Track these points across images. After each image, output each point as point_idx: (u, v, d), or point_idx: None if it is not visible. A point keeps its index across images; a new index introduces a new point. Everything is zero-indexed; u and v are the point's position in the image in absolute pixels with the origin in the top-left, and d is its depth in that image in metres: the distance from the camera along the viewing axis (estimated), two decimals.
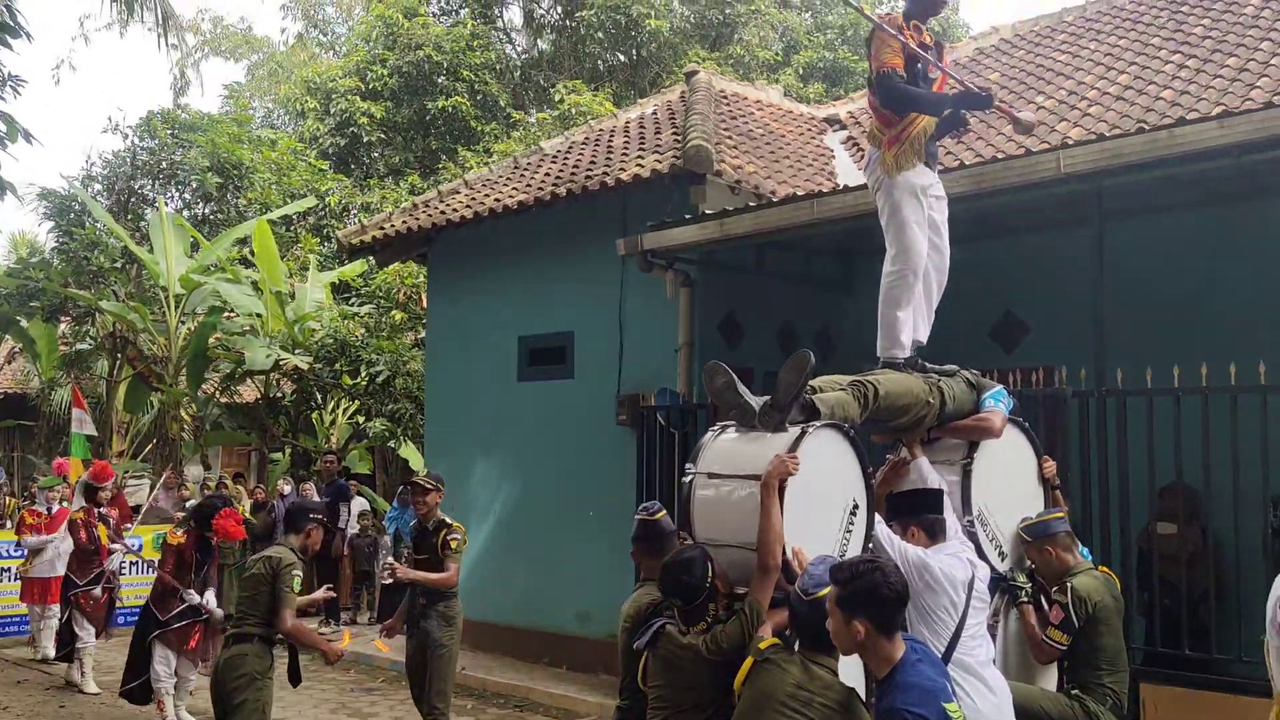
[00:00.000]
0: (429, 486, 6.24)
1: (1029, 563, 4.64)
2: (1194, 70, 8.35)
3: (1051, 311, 7.97)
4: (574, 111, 17.34)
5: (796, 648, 3.47)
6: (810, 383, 4.06)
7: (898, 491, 4.27)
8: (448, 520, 6.25)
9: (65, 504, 10.19)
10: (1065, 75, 9.66)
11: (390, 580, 6.18)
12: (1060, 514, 4.67)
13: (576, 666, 9.15)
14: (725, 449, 4.01)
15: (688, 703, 3.67)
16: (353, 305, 16.43)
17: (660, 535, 4.42)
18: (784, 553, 3.64)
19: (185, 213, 19.45)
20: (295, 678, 5.58)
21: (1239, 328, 6.69)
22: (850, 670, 3.50)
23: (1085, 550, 4.92)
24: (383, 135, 20.33)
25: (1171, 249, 7.37)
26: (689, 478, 4.00)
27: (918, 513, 4.10)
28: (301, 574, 5.16)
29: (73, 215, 17.91)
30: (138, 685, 7.55)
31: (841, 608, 3.17)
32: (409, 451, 14.87)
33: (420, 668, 6.21)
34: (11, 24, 5.48)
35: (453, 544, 6.09)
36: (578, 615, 9.17)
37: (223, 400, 17.28)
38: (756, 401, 3.91)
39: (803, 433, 3.82)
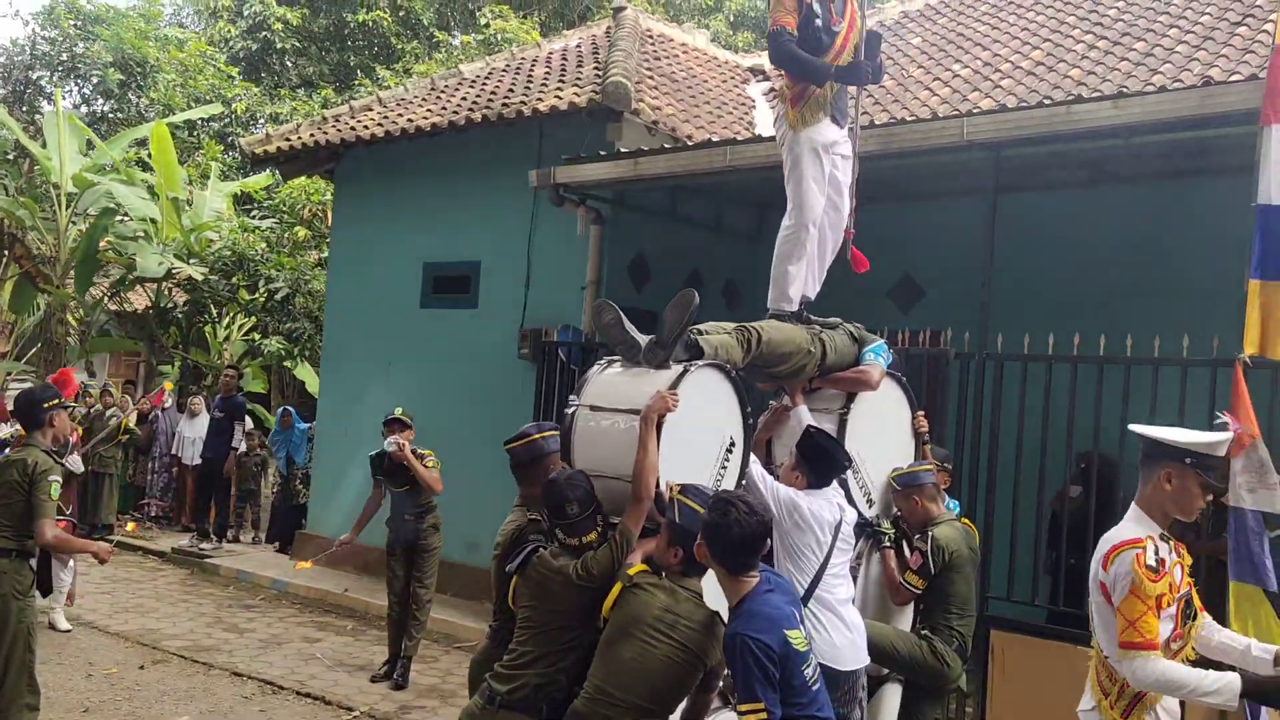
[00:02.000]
0: (407, 422, 7.19)
1: (895, 510, 4.85)
2: (1103, 51, 8.60)
3: (947, 277, 8.22)
4: (499, 38, 16.97)
5: (664, 575, 3.58)
6: (697, 325, 4.14)
7: (826, 438, 4.30)
8: (419, 450, 7.15)
9: None
10: (983, 46, 9.86)
11: (394, 449, 7.03)
12: (929, 466, 4.88)
13: (462, 594, 9.23)
14: (609, 383, 4.06)
15: (555, 623, 3.74)
16: (254, 218, 15.94)
17: (518, 464, 4.31)
18: (658, 485, 3.73)
19: (84, 109, 18.56)
20: (46, 588, 5.17)
21: (1116, 301, 7.04)
22: (715, 593, 3.61)
23: (954, 502, 5.17)
24: (297, 44, 19.60)
25: (1061, 224, 7.67)
26: (571, 409, 4.05)
27: (818, 467, 4.18)
28: (59, 479, 4.64)
29: None
30: None
31: (703, 537, 3.32)
32: (304, 372, 14.63)
33: (407, 569, 7.19)
34: None
35: (429, 464, 7.11)
36: (466, 544, 9.22)
37: (112, 306, 16.68)
38: (642, 339, 3.97)
39: (685, 370, 3.90)
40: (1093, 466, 5.98)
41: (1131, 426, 3.47)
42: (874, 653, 4.36)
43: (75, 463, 7.98)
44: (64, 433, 4.91)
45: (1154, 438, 3.26)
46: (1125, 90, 6.29)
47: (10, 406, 6.04)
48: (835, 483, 4.40)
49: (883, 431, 4.84)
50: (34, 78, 18.24)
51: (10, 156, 16.55)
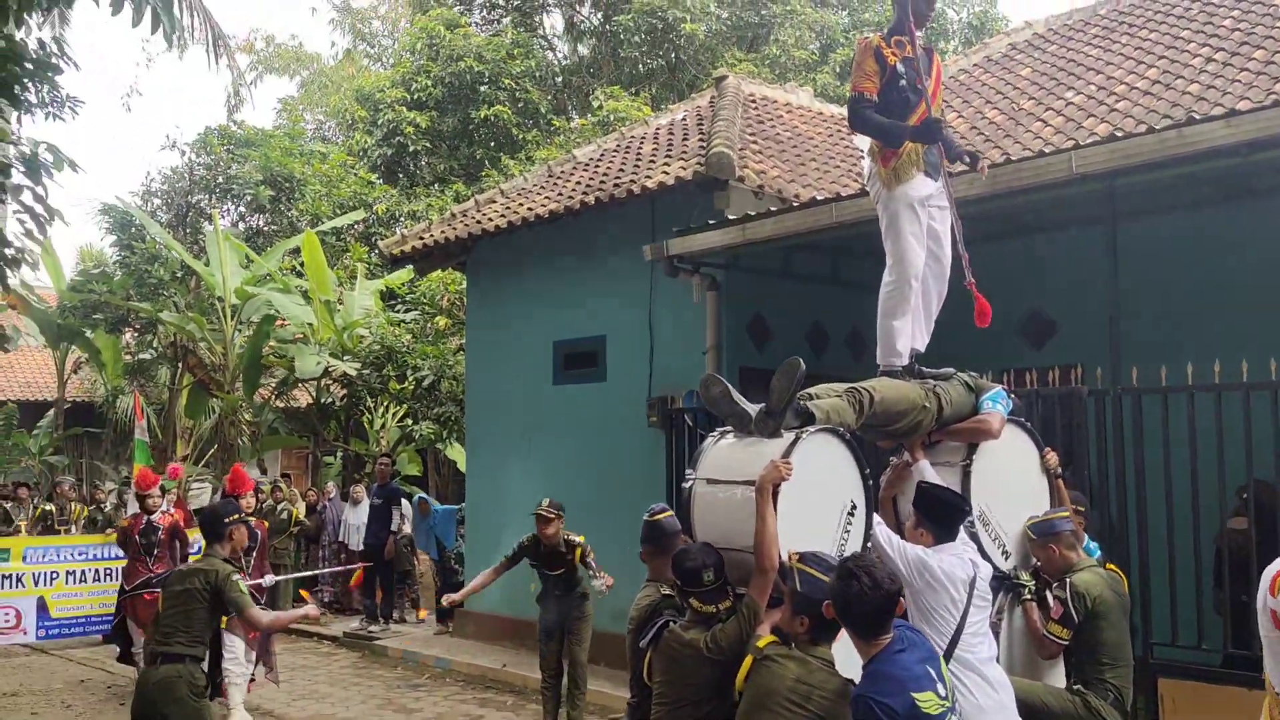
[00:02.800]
0: (550, 516, 7.10)
1: (1034, 561, 4.73)
2: (1221, 64, 8.28)
3: (1077, 309, 7.98)
4: (613, 117, 17.56)
5: (793, 646, 3.61)
6: (808, 390, 4.20)
7: (937, 488, 4.32)
8: (574, 538, 7.19)
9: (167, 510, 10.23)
10: (1096, 70, 9.62)
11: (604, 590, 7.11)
12: (1064, 513, 4.74)
13: (613, 663, 9.32)
14: (723, 455, 4.17)
15: (688, 698, 3.84)
16: (399, 312, 16.84)
17: (663, 535, 4.59)
18: (780, 555, 3.79)
19: (240, 224, 20.10)
20: (213, 690, 5.63)
21: (1255, 323, 6.69)
22: (846, 658, 3.62)
23: (1094, 546, 5.00)
24: (428, 144, 20.75)
25: (1189, 246, 7.37)
26: (689, 483, 4.17)
27: (940, 519, 4.17)
28: (241, 578, 5.01)
29: (133, 230, 18.60)
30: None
31: (832, 604, 3.37)
32: (456, 453, 15.23)
33: (560, 644, 7.38)
34: (47, 54, 5.78)
35: (591, 555, 7.14)
36: (614, 613, 9.35)
37: (278, 405, 17.82)
38: (752, 409, 4.07)
39: (797, 438, 3.97)
40: (1251, 497, 5.67)
41: None
42: (1025, 712, 4.22)
43: (268, 579, 8.50)
44: (241, 545, 5.32)
45: None
46: (1239, 107, 6.06)
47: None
48: (966, 537, 4.35)
49: (1011, 480, 4.75)
50: (193, 201, 19.94)
51: (179, 276, 18.07)
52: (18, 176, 5.49)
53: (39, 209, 5.55)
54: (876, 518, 4.24)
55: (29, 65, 5.37)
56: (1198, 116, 5.93)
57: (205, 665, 4.99)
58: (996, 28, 19.06)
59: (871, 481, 4.25)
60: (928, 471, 4.54)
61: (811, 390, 4.25)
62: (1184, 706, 5.54)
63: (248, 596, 5.00)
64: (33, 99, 5.73)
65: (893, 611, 3.40)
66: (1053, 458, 4.93)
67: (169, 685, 4.75)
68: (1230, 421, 5.54)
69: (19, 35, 6.23)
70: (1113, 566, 4.90)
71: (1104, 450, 6.05)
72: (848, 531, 4.12)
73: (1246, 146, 5.43)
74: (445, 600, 7.78)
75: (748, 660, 3.64)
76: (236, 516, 5.20)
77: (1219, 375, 5.64)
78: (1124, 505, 5.93)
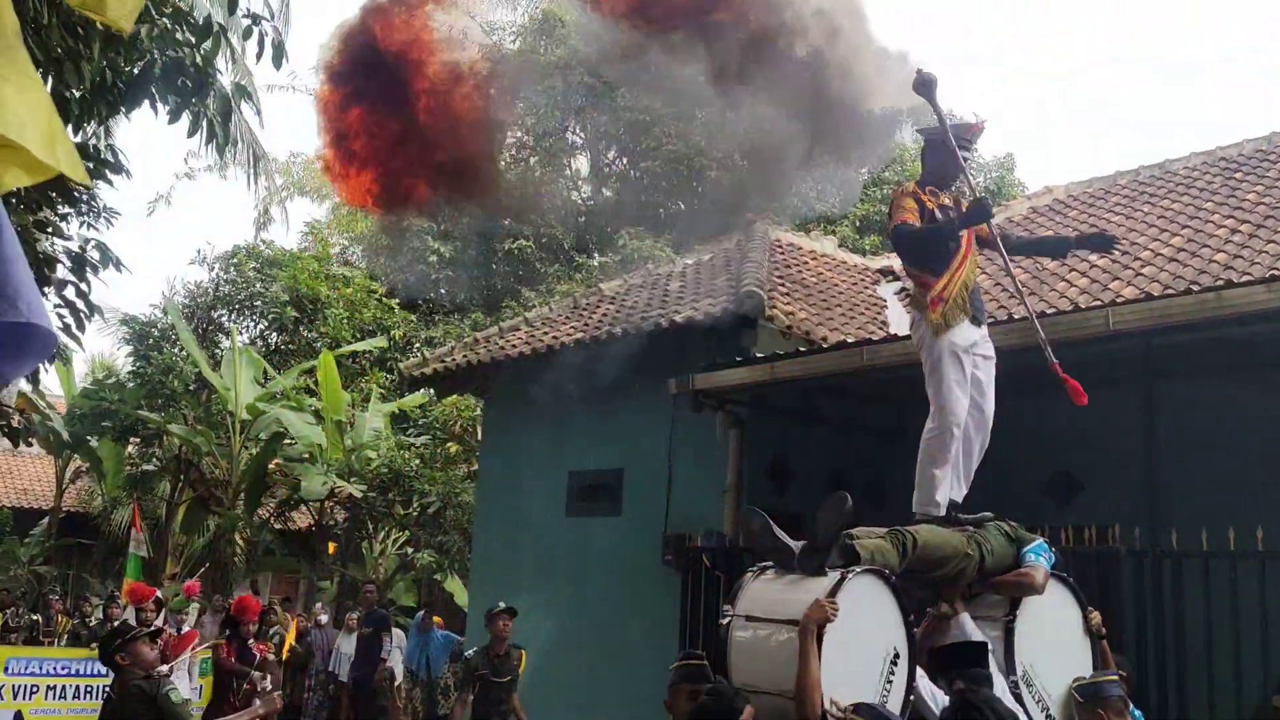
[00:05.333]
0: (505, 612, 7.75)
1: None
2: (1247, 235, 8.43)
3: (1105, 469, 7.85)
4: (636, 256, 17.87)
5: None
6: (848, 530, 4.08)
7: (939, 646, 4.20)
8: (517, 645, 7.73)
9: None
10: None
11: None
12: (1113, 677, 4.53)
13: None
14: (764, 591, 4.01)
15: None
16: (410, 435, 16.74)
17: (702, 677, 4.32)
18: (822, 702, 3.59)
19: (259, 342, 20.24)
20: None
21: None
22: None
23: (1139, 713, 4.75)
24: (449, 274, 21.10)
25: (1223, 411, 7.29)
26: (726, 620, 4.00)
27: (961, 667, 4.02)
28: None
29: (150, 341, 18.73)
30: None
31: None
32: (454, 585, 14.85)
33: None
34: (113, 160, 5.92)
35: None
36: None
37: (276, 526, 17.53)
38: (794, 545, 3.94)
39: (843, 577, 3.83)
40: None
41: None
42: None
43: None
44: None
45: None
46: (1278, 273, 6.12)
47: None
48: (1011, 698, 4.15)
49: (1055, 638, 4.56)
50: (215, 316, 20.16)
51: (191, 389, 18.08)
52: (62, 271, 5.53)
53: (80, 305, 5.57)
54: (919, 669, 4.05)
55: (90, 165, 5.47)
56: (1237, 280, 5.97)
57: None
58: (1013, 193, 19.61)
59: (915, 630, 4.08)
60: (969, 625, 4.37)
61: (851, 531, 4.13)
62: None
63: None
64: (80, 195, 5.83)
65: None
66: (1096, 617, 4.75)
67: None
68: (1274, 592, 5.35)
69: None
70: None
71: (1142, 614, 5.83)
72: (890, 682, 3.93)
73: None
74: None
75: None
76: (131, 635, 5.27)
77: (1262, 543, 5.48)
78: (1163, 673, 5.67)
